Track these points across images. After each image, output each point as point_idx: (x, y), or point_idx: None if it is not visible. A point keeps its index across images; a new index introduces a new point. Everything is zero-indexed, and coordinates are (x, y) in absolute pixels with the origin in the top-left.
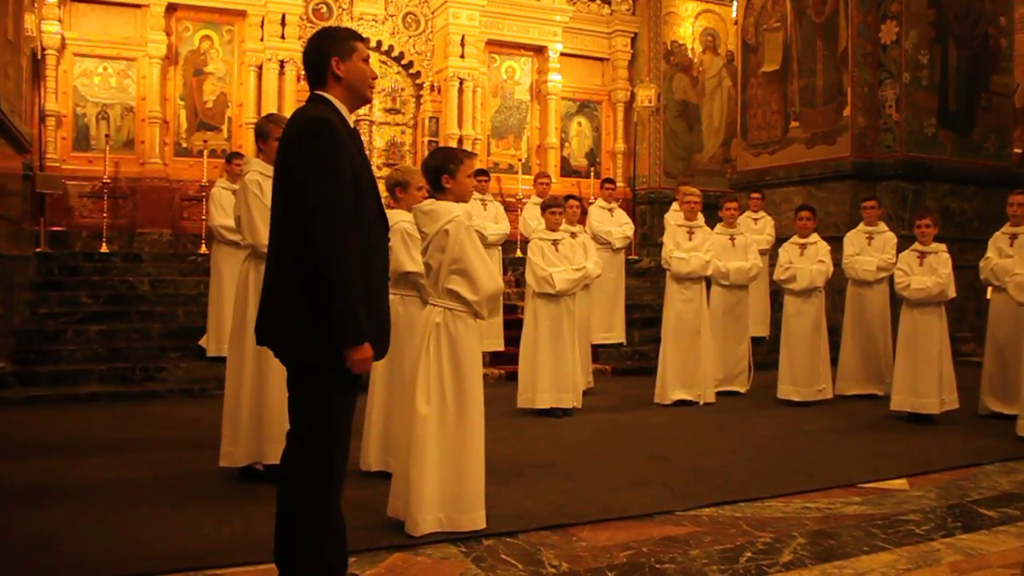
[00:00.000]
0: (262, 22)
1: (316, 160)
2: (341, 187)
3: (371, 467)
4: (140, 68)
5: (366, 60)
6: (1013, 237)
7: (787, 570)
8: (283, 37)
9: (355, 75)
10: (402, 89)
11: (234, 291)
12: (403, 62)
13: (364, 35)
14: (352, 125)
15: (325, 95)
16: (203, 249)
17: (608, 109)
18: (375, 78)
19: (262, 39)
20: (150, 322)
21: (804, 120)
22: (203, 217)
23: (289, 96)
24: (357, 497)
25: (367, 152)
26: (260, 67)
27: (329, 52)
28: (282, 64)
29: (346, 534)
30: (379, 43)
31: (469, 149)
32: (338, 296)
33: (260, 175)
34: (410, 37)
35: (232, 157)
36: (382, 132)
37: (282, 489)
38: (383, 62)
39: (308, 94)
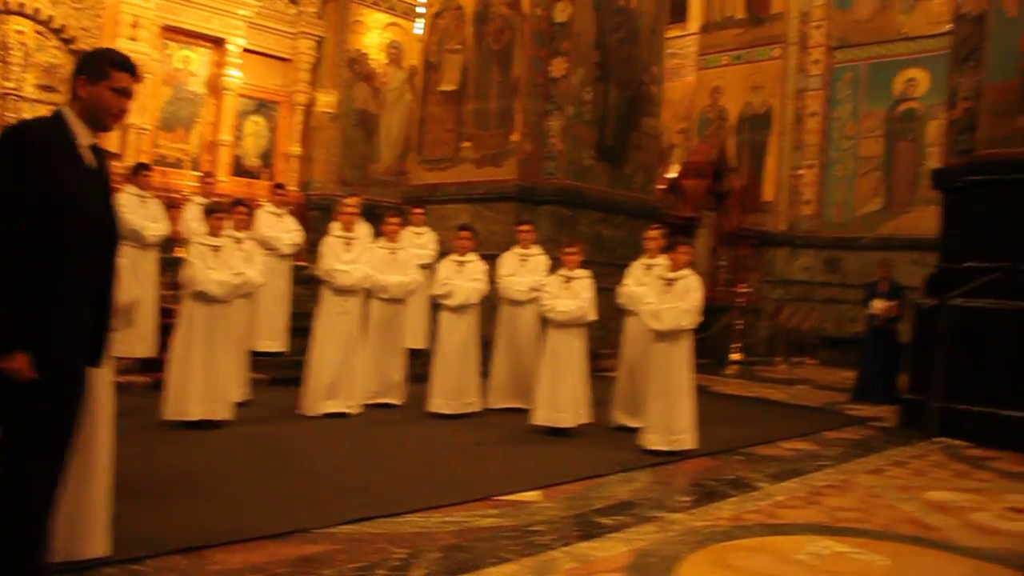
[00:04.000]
0: None
1: None
2: (9, 199)
3: None
4: None
5: (120, 91)
6: (649, 267)
7: None
8: None
9: (94, 99)
10: (61, 66)
11: None
12: (64, 36)
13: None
14: (90, 141)
15: (63, 109)
16: None
17: (287, 111)
18: (121, 111)
19: None
20: None
21: (476, 141)
22: None
23: None
24: None
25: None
26: None
27: (80, 69)
28: None
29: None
30: (36, 11)
31: (134, 139)
32: None
33: None
34: (75, 10)
35: None
36: (35, 110)
37: None
38: (40, 33)
39: None
